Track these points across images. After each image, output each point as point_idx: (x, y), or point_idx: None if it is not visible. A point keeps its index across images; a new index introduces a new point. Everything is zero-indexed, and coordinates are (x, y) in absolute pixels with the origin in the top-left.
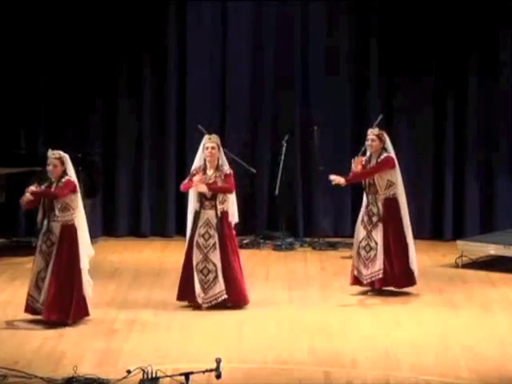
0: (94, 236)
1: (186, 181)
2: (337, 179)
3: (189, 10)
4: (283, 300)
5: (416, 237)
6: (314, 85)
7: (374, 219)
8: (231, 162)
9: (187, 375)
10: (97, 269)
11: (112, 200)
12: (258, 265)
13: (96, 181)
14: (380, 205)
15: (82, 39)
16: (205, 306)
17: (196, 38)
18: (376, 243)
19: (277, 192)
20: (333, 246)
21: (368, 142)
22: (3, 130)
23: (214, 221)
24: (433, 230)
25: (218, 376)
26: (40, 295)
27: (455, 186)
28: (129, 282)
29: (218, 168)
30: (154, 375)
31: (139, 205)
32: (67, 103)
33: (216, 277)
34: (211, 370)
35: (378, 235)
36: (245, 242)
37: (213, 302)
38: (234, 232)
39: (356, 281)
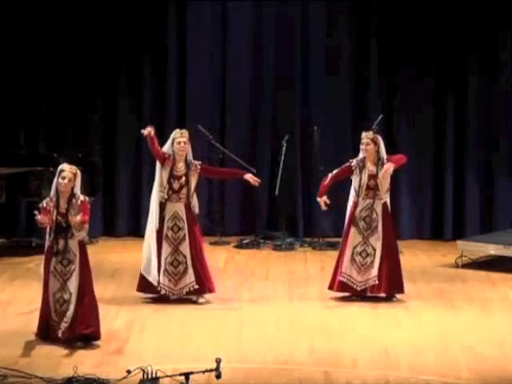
0: (94, 236)
1: (155, 141)
2: (389, 168)
3: (189, 10)
4: (283, 300)
5: (416, 237)
6: (314, 85)
7: (373, 225)
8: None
9: (187, 375)
10: (97, 269)
11: (112, 200)
12: (258, 265)
13: (96, 181)
14: (379, 210)
15: (81, 39)
16: (173, 297)
17: (196, 38)
18: (374, 249)
19: (277, 192)
20: (333, 246)
21: (363, 146)
22: (3, 130)
23: (182, 213)
24: (433, 229)
25: (218, 376)
26: (60, 318)
27: (455, 185)
28: (129, 282)
29: (186, 161)
30: (154, 375)
31: (139, 205)
32: (67, 103)
33: (186, 268)
34: (211, 370)
35: (376, 241)
36: (245, 242)
37: (183, 293)
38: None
39: (342, 287)
